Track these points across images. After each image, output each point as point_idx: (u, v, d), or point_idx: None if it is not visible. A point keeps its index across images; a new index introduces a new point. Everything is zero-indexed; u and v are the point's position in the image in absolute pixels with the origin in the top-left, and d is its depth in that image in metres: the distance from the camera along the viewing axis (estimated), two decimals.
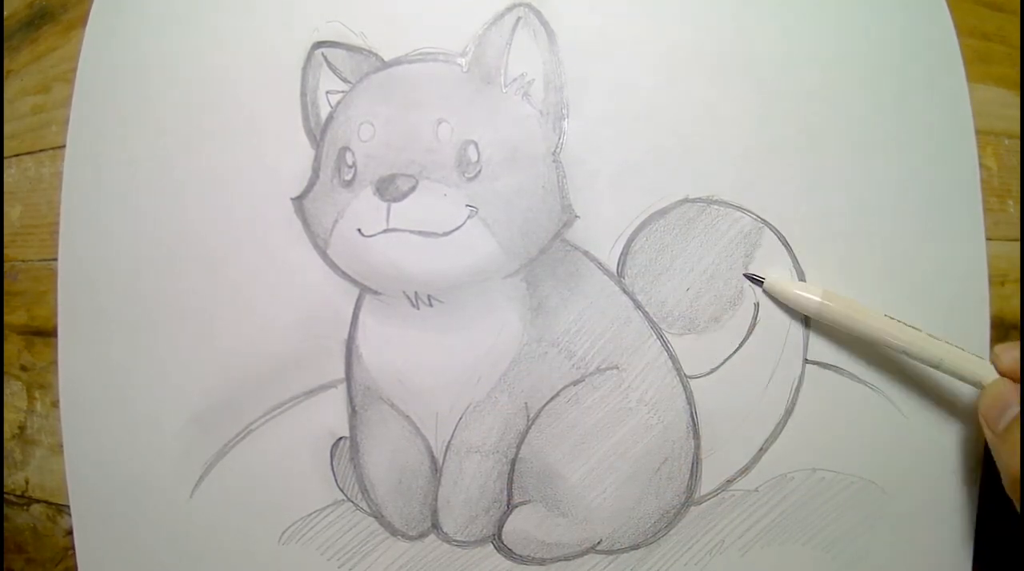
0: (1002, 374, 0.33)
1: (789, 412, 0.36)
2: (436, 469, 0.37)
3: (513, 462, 0.36)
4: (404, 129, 0.35)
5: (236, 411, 0.37)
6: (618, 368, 0.36)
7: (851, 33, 0.36)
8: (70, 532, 0.39)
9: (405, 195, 0.34)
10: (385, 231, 0.34)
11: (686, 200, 0.36)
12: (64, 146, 0.38)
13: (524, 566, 0.36)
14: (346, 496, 0.37)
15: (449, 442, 0.36)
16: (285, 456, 0.37)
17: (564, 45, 0.36)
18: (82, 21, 0.39)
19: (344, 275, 0.36)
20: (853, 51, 0.36)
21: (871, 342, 0.34)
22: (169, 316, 0.37)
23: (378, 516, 0.37)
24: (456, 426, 0.36)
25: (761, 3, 0.36)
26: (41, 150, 0.40)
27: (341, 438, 0.37)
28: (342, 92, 0.36)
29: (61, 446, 0.38)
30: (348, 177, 0.35)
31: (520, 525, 0.36)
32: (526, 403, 0.36)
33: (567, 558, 0.36)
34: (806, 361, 0.36)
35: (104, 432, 0.38)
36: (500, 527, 0.36)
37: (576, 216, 0.36)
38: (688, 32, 0.36)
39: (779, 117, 0.36)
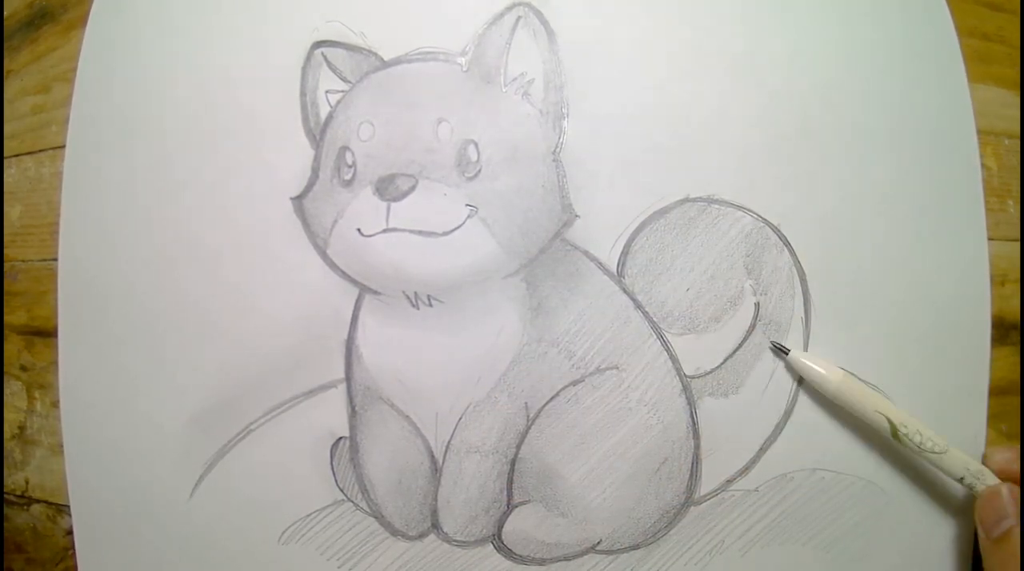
0: (998, 475, 0.33)
1: (789, 412, 0.36)
2: (436, 469, 0.37)
3: (513, 462, 0.36)
4: (404, 129, 0.35)
5: (236, 411, 0.37)
6: (618, 368, 0.36)
7: (851, 33, 0.36)
8: (70, 532, 0.39)
9: (405, 195, 0.34)
10: (385, 231, 0.34)
11: (686, 200, 0.36)
12: (64, 146, 0.38)
13: (524, 566, 0.36)
14: (346, 496, 0.37)
15: (449, 442, 0.36)
16: (285, 456, 0.37)
17: (564, 45, 0.36)
18: (82, 21, 0.39)
19: (344, 275, 0.36)
20: (853, 51, 0.36)
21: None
22: (169, 316, 0.37)
23: (378, 516, 0.37)
24: (456, 426, 0.36)
25: (761, 4, 0.36)
26: (41, 150, 0.40)
27: (341, 438, 0.37)
28: (342, 92, 0.36)
29: (61, 446, 0.38)
30: (348, 177, 0.35)
31: (520, 525, 0.36)
32: (526, 403, 0.36)
33: (567, 558, 0.36)
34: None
35: (104, 432, 0.38)
36: (500, 527, 0.36)
37: (576, 216, 0.36)
38: (688, 32, 0.36)
39: (780, 117, 0.36)
